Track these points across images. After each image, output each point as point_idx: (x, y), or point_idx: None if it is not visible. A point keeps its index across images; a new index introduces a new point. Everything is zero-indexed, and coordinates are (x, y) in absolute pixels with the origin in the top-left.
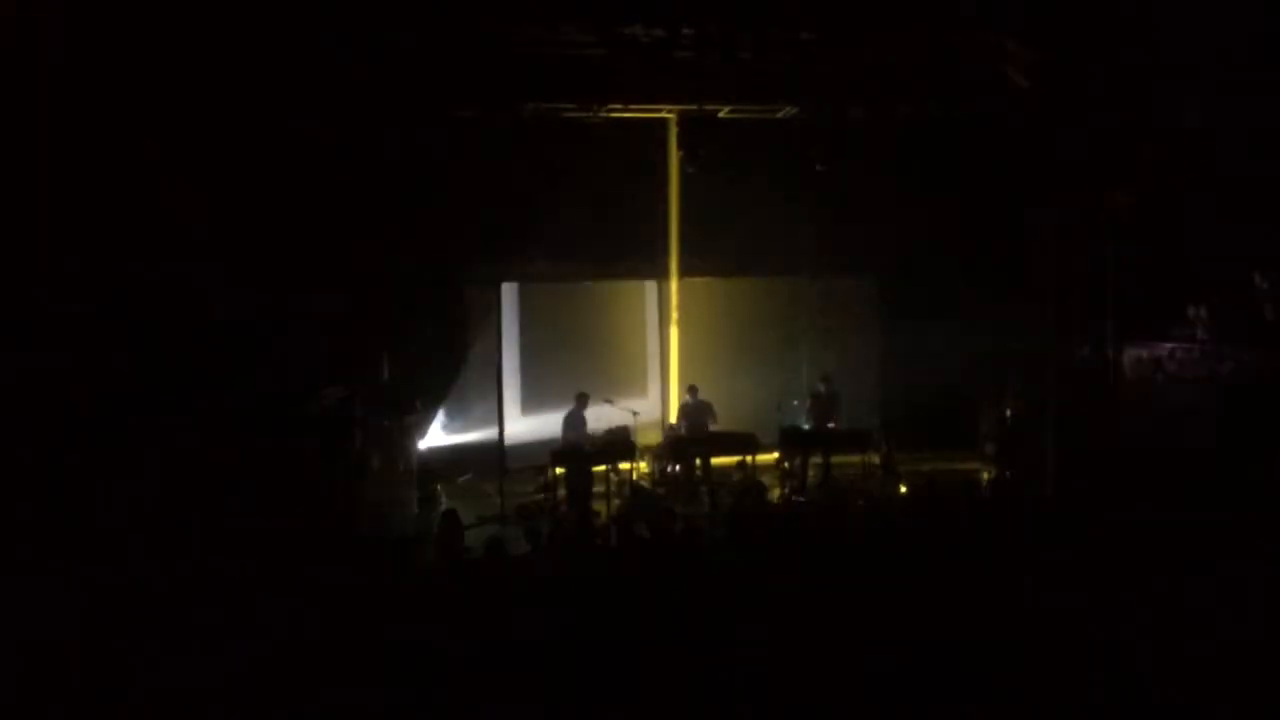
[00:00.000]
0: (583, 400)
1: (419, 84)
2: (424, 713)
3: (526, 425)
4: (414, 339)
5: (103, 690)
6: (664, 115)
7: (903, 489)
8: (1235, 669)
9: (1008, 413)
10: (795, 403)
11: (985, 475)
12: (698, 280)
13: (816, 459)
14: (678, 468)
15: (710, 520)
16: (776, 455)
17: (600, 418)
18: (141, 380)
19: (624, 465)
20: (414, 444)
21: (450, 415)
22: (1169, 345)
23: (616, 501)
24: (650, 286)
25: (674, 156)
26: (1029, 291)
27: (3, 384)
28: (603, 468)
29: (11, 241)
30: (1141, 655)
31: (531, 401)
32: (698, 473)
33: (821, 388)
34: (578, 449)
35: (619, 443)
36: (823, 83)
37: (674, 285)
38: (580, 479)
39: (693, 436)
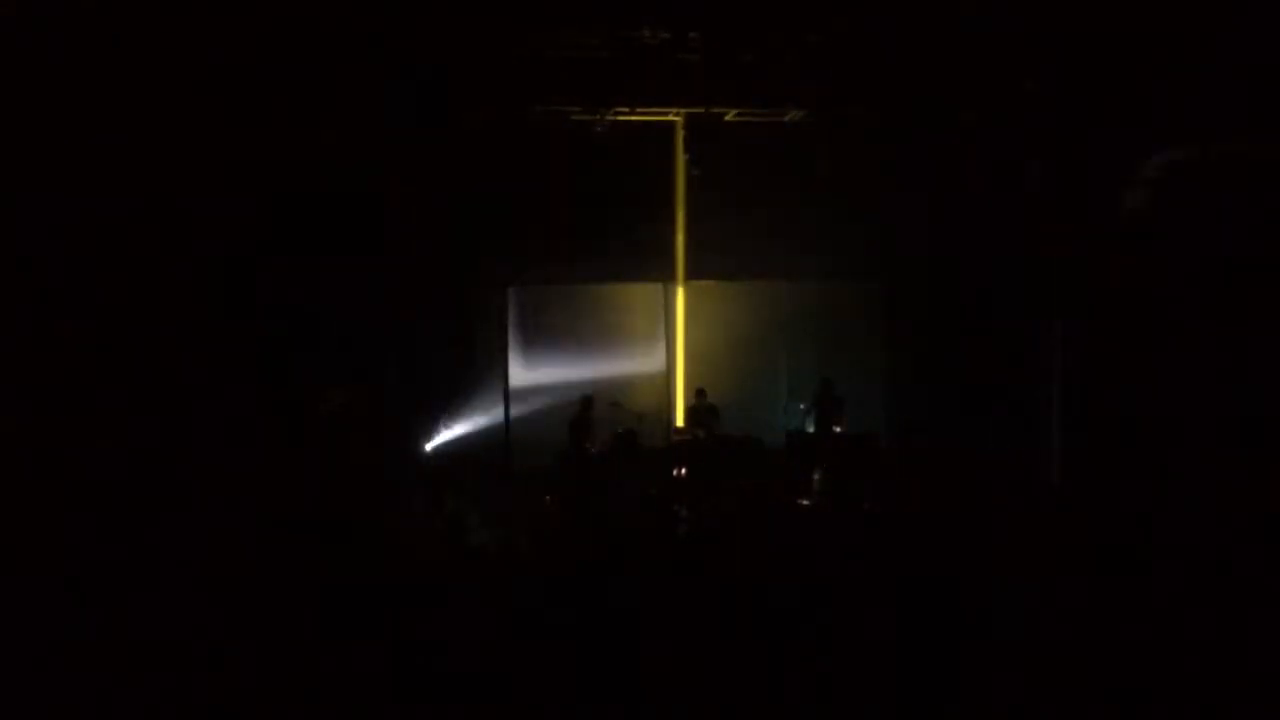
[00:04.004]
0: (588, 403)
1: (425, 87)
2: (427, 711)
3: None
4: (420, 341)
5: (100, 690)
6: (670, 119)
7: (907, 494)
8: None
9: (1012, 417)
10: (800, 407)
11: None
12: (703, 284)
13: (821, 463)
14: (683, 471)
15: (714, 523)
16: (782, 459)
17: (605, 421)
18: (146, 381)
19: (629, 468)
20: (420, 446)
21: (456, 417)
22: (1171, 349)
23: (621, 504)
24: (656, 290)
25: (680, 160)
26: (1033, 294)
27: (6, 382)
28: (607, 470)
29: (20, 240)
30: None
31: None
32: (702, 476)
33: (824, 392)
34: (583, 451)
35: (624, 445)
36: (829, 86)
37: (680, 289)
38: (585, 481)
39: (698, 439)
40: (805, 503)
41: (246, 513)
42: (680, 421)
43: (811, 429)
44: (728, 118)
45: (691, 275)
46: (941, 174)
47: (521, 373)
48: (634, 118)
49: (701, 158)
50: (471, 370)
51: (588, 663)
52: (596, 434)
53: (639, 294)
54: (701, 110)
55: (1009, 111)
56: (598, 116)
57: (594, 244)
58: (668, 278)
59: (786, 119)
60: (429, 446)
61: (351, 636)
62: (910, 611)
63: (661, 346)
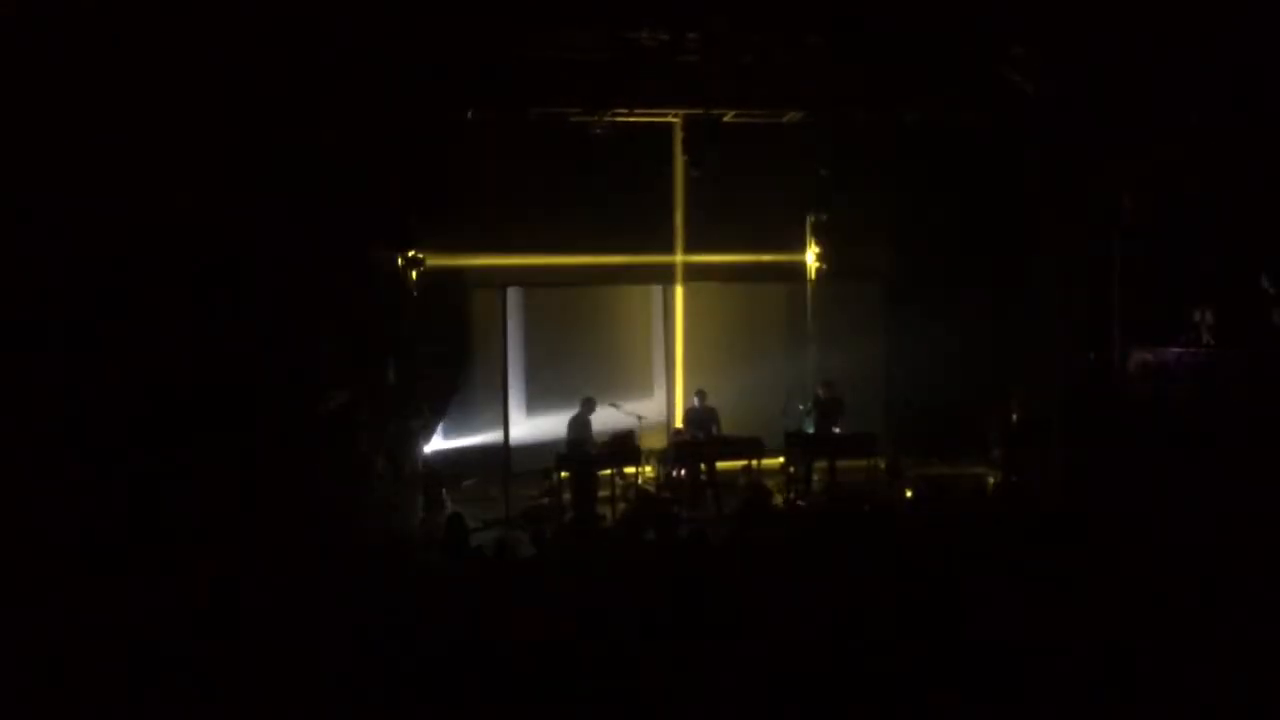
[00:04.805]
0: (588, 404)
1: (426, 88)
2: (428, 711)
3: (532, 427)
4: (419, 342)
5: (103, 695)
6: (669, 120)
7: (908, 494)
8: (1238, 675)
9: (1014, 417)
10: (800, 407)
11: (991, 480)
12: (702, 284)
13: (821, 463)
14: (682, 472)
15: (715, 524)
16: (781, 460)
17: (605, 421)
18: (143, 383)
19: (629, 469)
20: (419, 447)
21: (455, 419)
22: (1174, 350)
23: (621, 505)
24: (655, 290)
25: (679, 161)
26: (1034, 295)
27: (4, 388)
28: (608, 471)
29: (15, 240)
30: (1147, 661)
31: (537, 405)
32: (702, 477)
33: (823, 393)
34: (582, 453)
35: (624, 446)
36: (828, 87)
37: (679, 289)
38: (585, 483)
39: (697, 440)
40: (805, 503)
41: (245, 513)
42: (680, 423)
43: (811, 429)
44: (727, 118)
45: (691, 276)
46: (941, 174)
47: (521, 373)
48: (633, 119)
49: (701, 159)
50: (471, 371)
51: (587, 663)
52: (595, 434)
53: (639, 295)
54: (701, 111)
55: (1009, 111)
56: (597, 117)
57: (594, 245)
58: (667, 278)
59: (786, 119)
60: (429, 448)
61: (351, 637)
62: (909, 611)
63: (661, 347)
